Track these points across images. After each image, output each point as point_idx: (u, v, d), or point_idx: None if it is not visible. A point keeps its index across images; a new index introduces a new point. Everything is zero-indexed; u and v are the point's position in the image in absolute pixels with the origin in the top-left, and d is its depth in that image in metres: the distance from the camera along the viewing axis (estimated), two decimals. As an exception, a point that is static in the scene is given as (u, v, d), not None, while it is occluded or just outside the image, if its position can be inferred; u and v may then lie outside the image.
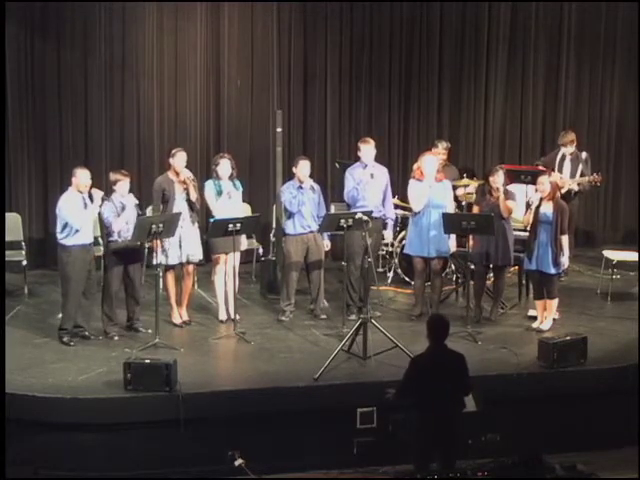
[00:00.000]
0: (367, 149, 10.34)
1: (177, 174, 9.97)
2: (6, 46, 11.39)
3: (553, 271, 9.77)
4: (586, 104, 13.60)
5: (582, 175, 11.68)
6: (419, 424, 7.34)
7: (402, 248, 11.36)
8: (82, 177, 9.43)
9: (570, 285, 11.49)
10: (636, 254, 11.28)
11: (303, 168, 10.25)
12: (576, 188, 11.68)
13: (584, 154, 11.86)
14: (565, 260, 9.89)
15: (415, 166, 10.40)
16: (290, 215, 10.21)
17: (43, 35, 11.80)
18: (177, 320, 10.09)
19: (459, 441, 7.54)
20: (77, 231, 9.33)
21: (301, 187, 10.23)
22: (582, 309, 10.62)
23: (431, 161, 10.23)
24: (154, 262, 9.65)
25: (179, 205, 9.90)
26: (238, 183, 10.26)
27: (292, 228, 10.24)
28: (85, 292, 9.50)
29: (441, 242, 10.10)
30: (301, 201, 10.15)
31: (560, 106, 13.50)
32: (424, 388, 7.22)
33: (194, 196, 9.93)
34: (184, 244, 9.91)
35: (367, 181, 10.25)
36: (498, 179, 10.01)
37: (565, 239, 9.78)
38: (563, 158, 11.72)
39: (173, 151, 10.15)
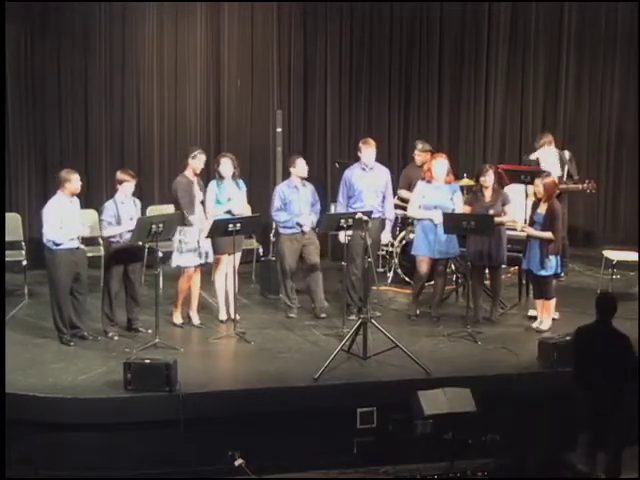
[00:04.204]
0: (368, 151, 10.31)
1: (195, 175, 9.97)
2: (6, 46, 11.39)
3: (542, 272, 9.74)
4: (586, 104, 13.62)
5: (569, 175, 11.62)
6: (579, 396, 7.77)
7: (402, 248, 11.37)
8: (76, 181, 9.39)
9: (570, 285, 11.50)
10: (636, 254, 11.27)
11: (300, 167, 10.26)
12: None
13: (567, 153, 11.79)
14: (551, 262, 9.78)
15: (425, 167, 10.43)
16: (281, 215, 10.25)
17: (43, 35, 11.81)
18: (178, 320, 10.08)
19: (622, 425, 7.77)
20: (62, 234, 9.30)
21: (296, 186, 10.24)
22: (582, 309, 10.58)
23: (441, 163, 10.22)
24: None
25: (198, 206, 9.92)
26: (241, 182, 10.24)
27: (284, 227, 10.28)
28: (75, 293, 9.46)
29: (448, 243, 10.09)
30: (290, 208, 10.16)
31: (560, 106, 13.52)
32: (582, 359, 7.75)
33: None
34: (202, 245, 9.92)
35: (364, 182, 10.24)
36: (488, 179, 10.04)
37: (549, 236, 9.70)
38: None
39: (194, 153, 10.00)
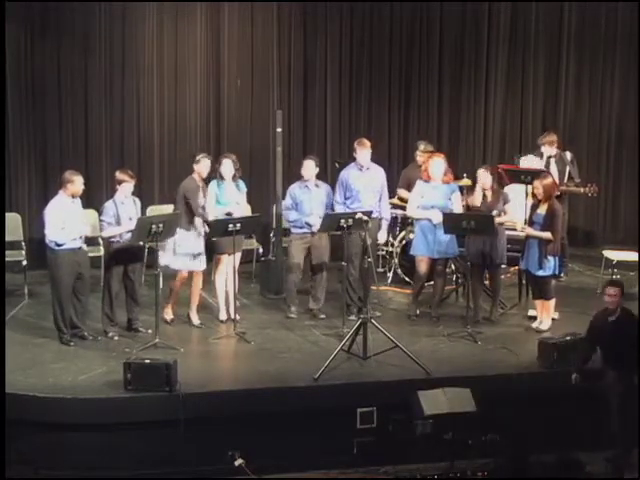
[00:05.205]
0: (364, 152, 10.28)
1: (202, 179, 9.96)
2: (6, 46, 11.39)
3: (540, 273, 9.73)
4: (586, 104, 13.61)
5: (570, 177, 11.60)
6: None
7: (402, 248, 11.37)
8: (79, 183, 9.39)
9: (570, 285, 11.50)
10: (636, 254, 11.28)
11: (305, 168, 10.29)
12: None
13: (568, 154, 11.75)
14: (549, 262, 9.77)
15: (423, 167, 10.43)
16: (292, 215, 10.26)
17: (43, 35, 11.81)
18: (168, 316, 10.04)
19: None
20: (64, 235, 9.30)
21: (307, 186, 10.25)
22: (582, 309, 10.59)
23: (438, 163, 10.22)
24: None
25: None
26: (242, 184, 10.21)
27: (294, 227, 10.28)
28: (77, 293, 9.46)
29: (447, 243, 10.09)
30: (301, 208, 10.17)
31: (560, 106, 13.51)
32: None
33: None
34: (196, 250, 9.92)
35: (361, 182, 10.23)
36: (486, 180, 10.04)
37: (548, 237, 9.71)
38: (548, 162, 11.62)
39: (197, 157, 10.03)
